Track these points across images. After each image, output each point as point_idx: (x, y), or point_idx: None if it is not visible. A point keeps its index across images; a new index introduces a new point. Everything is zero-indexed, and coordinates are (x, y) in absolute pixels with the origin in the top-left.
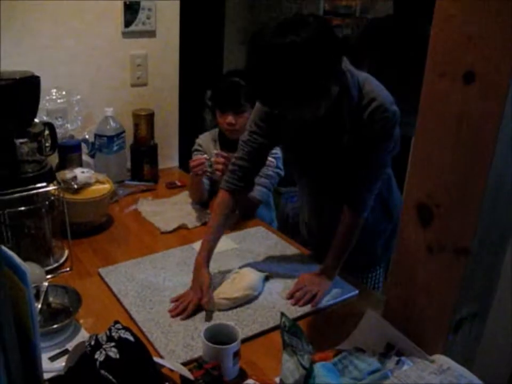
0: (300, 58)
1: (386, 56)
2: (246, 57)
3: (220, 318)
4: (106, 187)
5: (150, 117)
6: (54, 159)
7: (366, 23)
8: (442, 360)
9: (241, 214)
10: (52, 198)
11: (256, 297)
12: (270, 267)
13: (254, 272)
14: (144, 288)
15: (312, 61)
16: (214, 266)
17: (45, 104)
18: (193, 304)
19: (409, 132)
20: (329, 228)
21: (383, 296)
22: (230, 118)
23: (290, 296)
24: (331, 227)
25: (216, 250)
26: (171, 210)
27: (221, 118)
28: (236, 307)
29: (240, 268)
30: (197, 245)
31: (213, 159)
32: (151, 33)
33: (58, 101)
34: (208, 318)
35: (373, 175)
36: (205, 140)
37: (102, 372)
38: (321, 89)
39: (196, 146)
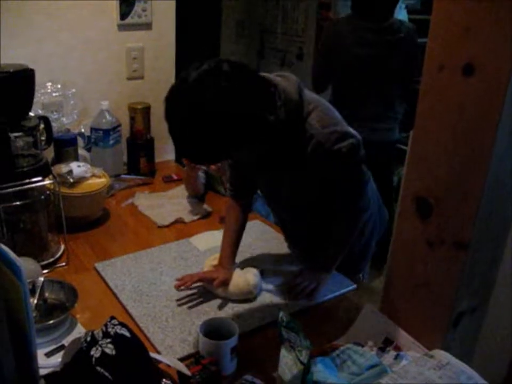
0: (206, 121)
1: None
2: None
3: (217, 313)
4: (102, 181)
5: (146, 110)
6: (49, 153)
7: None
8: (441, 355)
9: None
10: (48, 192)
11: (255, 297)
12: (267, 261)
13: (252, 272)
14: (140, 282)
15: (220, 123)
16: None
17: (40, 97)
18: (199, 277)
19: (389, 136)
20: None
21: (381, 290)
22: None
23: (289, 291)
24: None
25: (213, 244)
26: (168, 204)
27: None
28: (233, 301)
29: (237, 264)
30: (194, 239)
31: None
32: (147, 26)
33: (54, 94)
34: (205, 312)
35: (354, 190)
36: None
37: (98, 368)
38: (240, 142)
39: None
